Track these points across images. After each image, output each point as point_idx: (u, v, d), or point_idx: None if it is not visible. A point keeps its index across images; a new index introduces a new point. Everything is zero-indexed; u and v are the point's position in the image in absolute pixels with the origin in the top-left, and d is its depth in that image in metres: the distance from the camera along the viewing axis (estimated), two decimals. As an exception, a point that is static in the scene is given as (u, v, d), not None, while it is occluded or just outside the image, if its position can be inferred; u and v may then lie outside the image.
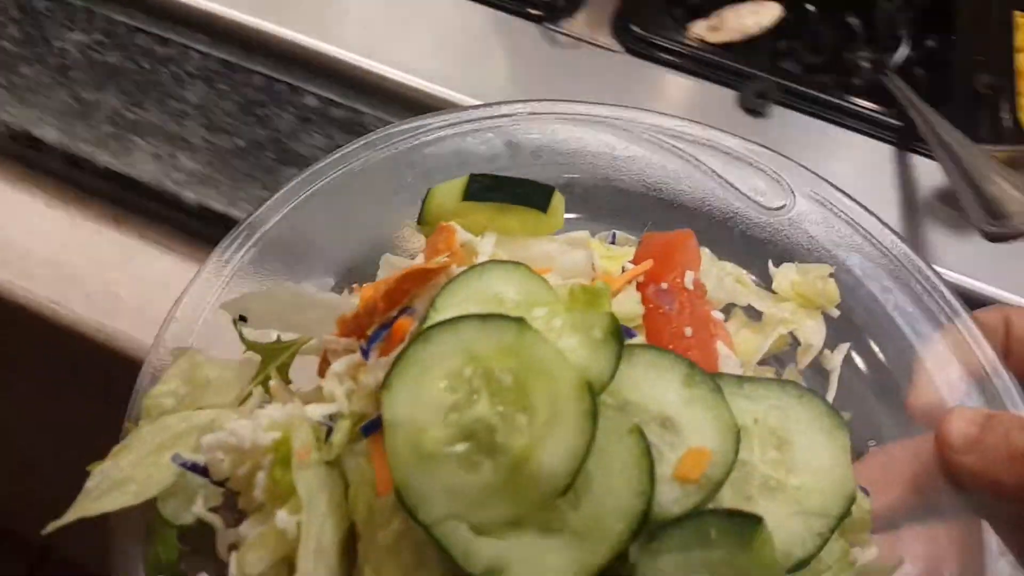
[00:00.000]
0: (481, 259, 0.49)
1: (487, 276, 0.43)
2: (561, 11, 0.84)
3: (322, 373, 0.47)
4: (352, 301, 0.45)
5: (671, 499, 0.39)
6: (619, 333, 0.40)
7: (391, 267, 0.55)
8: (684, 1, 0.91)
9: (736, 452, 0.41)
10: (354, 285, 0.53)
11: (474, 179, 0.50)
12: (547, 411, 0.37)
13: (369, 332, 0.44)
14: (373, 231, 0.57)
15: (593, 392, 0.38)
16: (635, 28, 0.84)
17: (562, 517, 0.38)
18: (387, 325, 0.44)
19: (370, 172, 0.57)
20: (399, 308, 0.44)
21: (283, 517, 0.38)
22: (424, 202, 0.52)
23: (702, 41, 0.86)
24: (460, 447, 0.37)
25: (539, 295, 0.43)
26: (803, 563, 0.41)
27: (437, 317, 0.41)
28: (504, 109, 0.60)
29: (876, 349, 0.55)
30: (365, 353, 0.43)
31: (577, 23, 0.81)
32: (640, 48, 0.83)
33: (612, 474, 0.38)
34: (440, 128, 0.59)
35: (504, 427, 0.37)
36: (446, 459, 0.37)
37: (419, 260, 0.52)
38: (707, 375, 0.43)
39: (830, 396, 0.54)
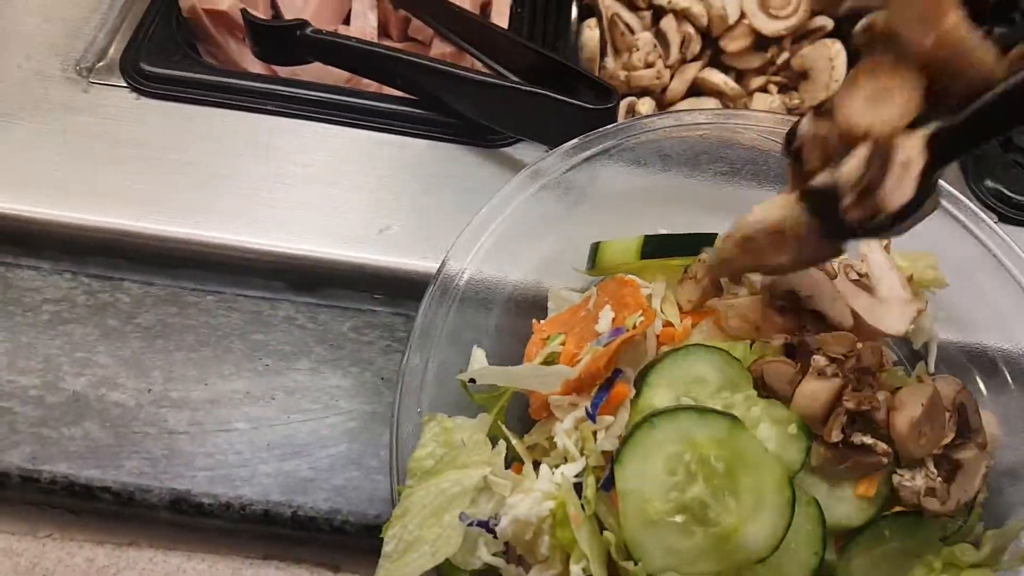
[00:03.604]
0: (656, 303, 0.58)
1: (691, 359, 0.52)
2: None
3: (536, 414, 0.57)
4: (572, 370, 0.53)
5: (854, 513, 0.51)
6: (809, 431, 0.50)
7: (561, 299, 0.63)
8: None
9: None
10: (534, 321, 0.62)
11: (648, 239, 0.58)
12: (753, 497, 0.48)
13: (592, 394, 0.53)
14: (534, 260, 0.64)
15: (792, 485, 0.48)
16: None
17: (754, 570, 0.48)
18: (605, 387, 0.53)
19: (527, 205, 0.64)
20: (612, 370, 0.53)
21: (576, 570, 0.49)
22: (595, 254, 0.60)
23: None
24: (678, 518, 0.48)
25: (737, 379, 0.52)
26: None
27: (652, 394, 0.51)
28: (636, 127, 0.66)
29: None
30: (591, 416, 0.52)
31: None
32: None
33: (795, 538, 0.48)
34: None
35: (716, 506, 0.48)
36: (666, 526, 0.48)
37: (591, 299, 0.60)
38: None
39: (931, 362, 0.65)
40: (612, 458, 0.51)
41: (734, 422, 0.49)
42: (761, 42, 0.93)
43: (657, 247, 0.58)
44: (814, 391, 0.51)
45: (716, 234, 0.58)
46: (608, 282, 0.59)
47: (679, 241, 0.58)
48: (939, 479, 0.51)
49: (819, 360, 0.52)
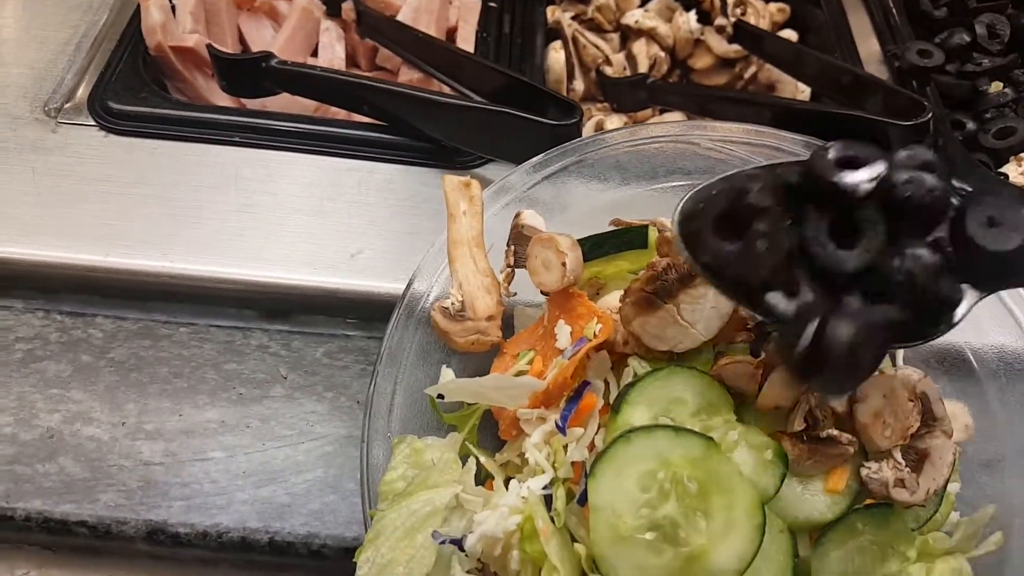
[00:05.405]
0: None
1: (673, 380, 0.52)
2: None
3: (506, 434, 0.57)
4: (540, 382, 0.53)
5: (826, 508, 0.51)
6: (786, 458, 0.50)
7: (526, 317, 0.64)
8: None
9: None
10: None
11: (580, 243, 0.58)
12: (724, 519, 0.47)
13: (561, 406, 0.53)
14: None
15: (764, 511, 0.48)
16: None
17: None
18: (574, 399, 0.53)
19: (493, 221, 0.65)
20: (580, 381, 0.54)
21: (546, 584, 0.48)
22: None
23: None
24: (648, 535, 0.47)
25: (717, 403, 0.52)
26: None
27: (631, 412, 0.51)
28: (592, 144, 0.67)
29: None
30: (561, 429, 0.52)
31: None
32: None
33: (765, 565, 0.48)
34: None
35: (686, 525, 0.47)
36: (636, 543, 0.47)
37: (544, 315, 0.60)
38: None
39: (899, 359, 0.64)
40: (585, 471, 0.51)
41: (709, 443, 0.48)
42: (727, 59, 0.95)
43: (592, 247, 0.59)
44: (785, 379, 0.51)
45: (645, 226, 0.59)
46: (555, 296, 0.59)
47: (611, 236, 0.60)
48: (907, 469, 0.51)
49: None
